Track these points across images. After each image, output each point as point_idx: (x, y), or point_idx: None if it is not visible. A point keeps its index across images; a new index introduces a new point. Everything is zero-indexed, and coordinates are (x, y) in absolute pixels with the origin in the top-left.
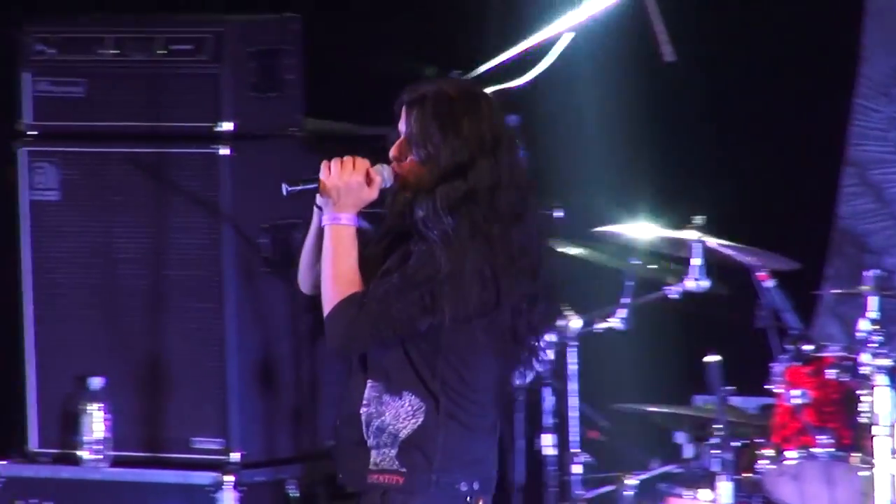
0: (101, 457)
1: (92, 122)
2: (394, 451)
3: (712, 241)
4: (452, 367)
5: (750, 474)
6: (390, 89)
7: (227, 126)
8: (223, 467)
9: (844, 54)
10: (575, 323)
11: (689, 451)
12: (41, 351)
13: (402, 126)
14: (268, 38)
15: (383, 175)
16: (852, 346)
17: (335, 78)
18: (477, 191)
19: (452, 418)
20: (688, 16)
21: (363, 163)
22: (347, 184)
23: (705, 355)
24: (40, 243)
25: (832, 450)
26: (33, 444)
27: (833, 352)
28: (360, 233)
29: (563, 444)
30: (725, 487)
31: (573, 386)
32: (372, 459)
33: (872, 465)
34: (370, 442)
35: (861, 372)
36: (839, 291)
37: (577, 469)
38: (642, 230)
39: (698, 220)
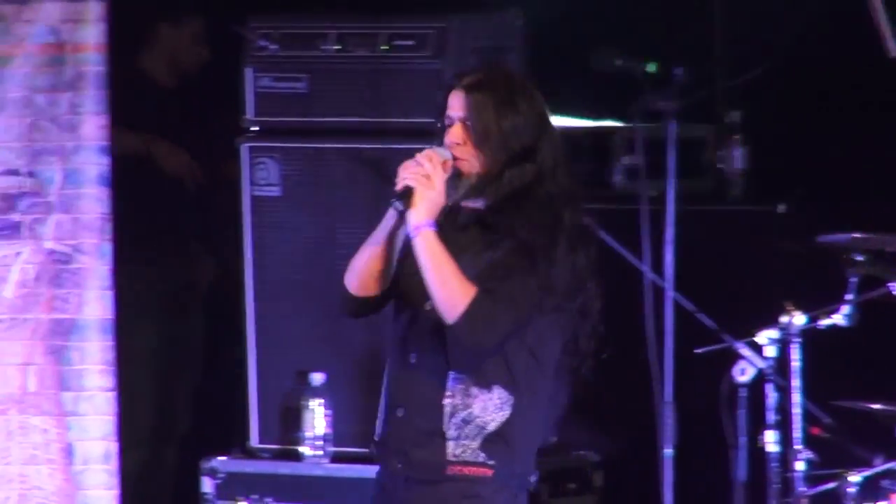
0: (322, 453)
1: (313, 118)
2: (476, 444)
3: None
4: (534, 360)
5: None
6: (611, 85)
7: None
8: None
9: None
10: (798, 319)
11: None
12: (261, 347)
13: (457, 112)
14: (490, 35)
15: (450, 164)
16: None
17: (557, 74)
18: (544, 172)
19: (532, 411)
20: None
21: (438, 158)
22: (439, 191)
23: None
24: (261, 239)
25: None
26: (254, 440)
27: None
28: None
29: (785, 440)
30: None
31: (796, 383)
32: (450, 450)
33: None
34: (450, 433)
35: None
36: None
37: (799, 466)
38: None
39: None
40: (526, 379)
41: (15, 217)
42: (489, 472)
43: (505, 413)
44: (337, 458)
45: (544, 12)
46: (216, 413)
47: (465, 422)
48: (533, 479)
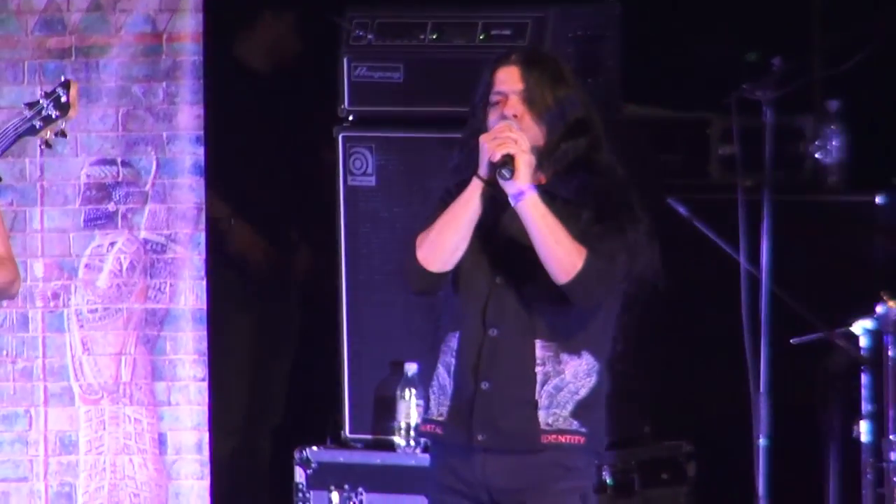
0: (415, 443)
1: (408, 108)
2: (566, 411)
3: None
4: (610, 325)
5: None
6: (709, 74)
7: None
8: None
9: None
10: (893, 309)
11: None
12: (355, 337)
13: (512, 86)
14: (587, 24)
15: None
16: None
17: (654, 63)
18: (597, 143)
19: (607, 377)
20: None
21: (514, 127)
22: (529, 153)
23: None
24: (356, 229)
25: None
26: (347, 430)
27: None
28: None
29: (880, 431)
30: None
31: (891, 373)
32: (542, 419)
33: None
34: (542, 402)
35: None
36: None
37: (894, 456)
38: None
39: None
40: (605, 344)
41: (110, 207)
42: (582, 440)
43: (592, 379)
44: (429, 449)
45: (643, 1)
46: (309, 403)
47: (557, 389)
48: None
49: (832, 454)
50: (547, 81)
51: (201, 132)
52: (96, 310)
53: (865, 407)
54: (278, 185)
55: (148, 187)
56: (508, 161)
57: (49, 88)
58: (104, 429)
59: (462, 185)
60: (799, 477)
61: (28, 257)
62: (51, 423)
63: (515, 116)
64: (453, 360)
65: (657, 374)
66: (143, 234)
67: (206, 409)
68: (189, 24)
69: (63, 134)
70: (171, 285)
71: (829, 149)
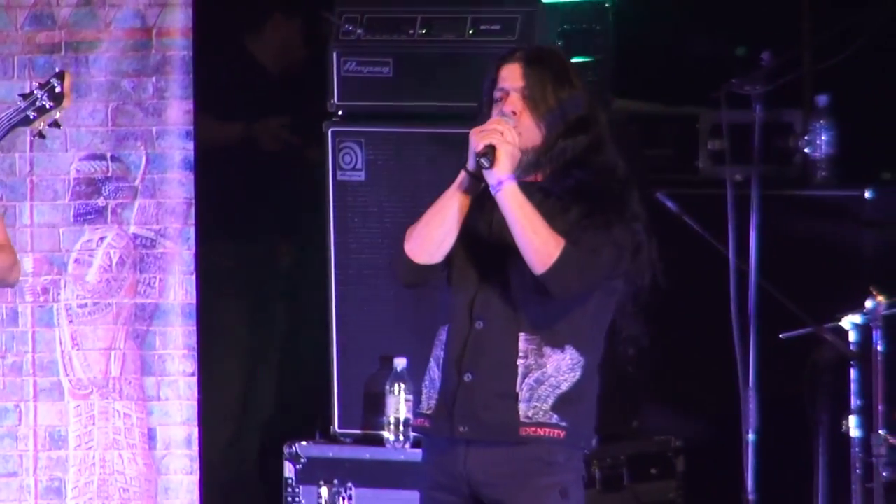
0: (404, 438)
1: (398, 103)
2: (547, 405)
3: None
4: (597, 322)
5: None
6: (698, 69)
7: None
8: None
9: None
10: (882, 304)
11: None
12: (344, 332)
13: (514, 83)
14: (577, 19)
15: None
16: None
17: (644, 58)
18: (599, 142)
19: (596, 373)
20: None
21: (509, 123)
22: (516, 147)
23: None
24: (345, 223)
25: None
26: (336, 425)
27: None
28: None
29: (868, 425)
30: None
31: (879, 367)
32: (522, 412)
33: None
34: (523, 394)
35: None
36: None
37: (882, 451)
38: None
39: None
40: (593, 341)
41: (99, 202)
42: (562, 434)
43: (576, 374)
44: (419, 444)
45: None
46: (298, 398)
47: (539, 382)
48: (594, 442)
49: (821, 449)
50: (549, 80)
51: (191, 127)
52: (86, 305)
53: (854, 402)
54: (267, 180)
55: (137, 182)
56: (489, 151)
57: (42, 80)
58: (94, 424)
59: None
60: (788, 471)
61: (18, 252)
62: (40, 418)
63: (514, 113)
64: (442, 353)
65: (646, 368)
66: (132, 229)
67: (195, 404)
68: (178, 19)
69: (57, 124)
70: (160, 280)
71: (819, 143)
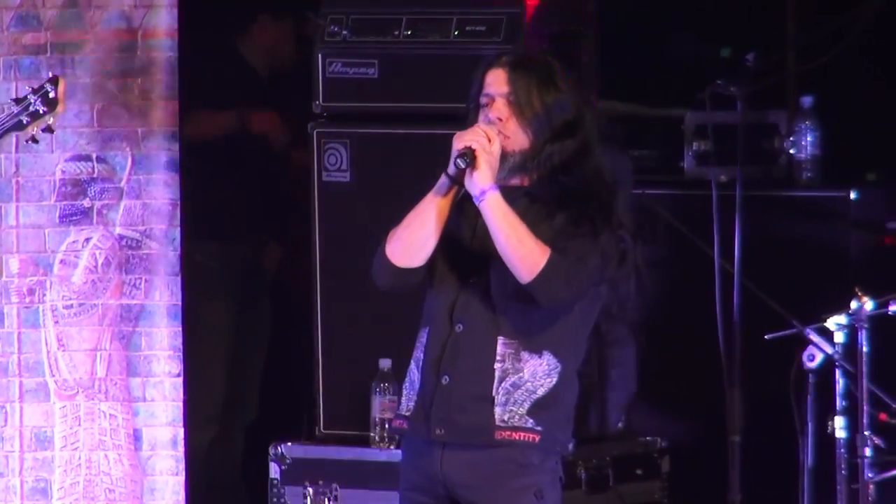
0: (389, 439)
1: (383, 104)
2: (523, 409)
3: None
4: (577, 328)
5: None
6: (683, 70)
7: None
8: None
9: None
10: (868, 305)
11: None
12: (329, 333)
13: (499, 88)
14: (563, 20)
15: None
16: None
17: (629, 59)
18: (586, 147)
19: (574, 379)
20: None
21: (493, 129)
22: (496, 156)
23: None
24: (330, 224)
25: None
26: (322, 426)
27: None
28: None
29: (854, 426)
30: None
31: (865, 369)
32: (497, 416)
33: None
34: (499, 398)
35: None
36: None
37: (867, 452)
38: None
39: None
40: (572, 347)
41: (85, 203)
42: (536, 438)
43: (553, 379)
44: None
45: None
46: (284, 399)
47: (515, 386)
48: (570, 447)
49: (806, 449)
50: (534, 85)
51: (176, 128)
52: (71, 305)
53: (839, 402)
54: (253, 181)
55: (123, 183)
56: (468, 152)
57: (36, 84)
58: (79, 425)
59: None
60: (773, 472)
61: (3, 253)
62: (26, 419)
63: (500, 119)
64: (422, 355)
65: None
66: (118, 230)
67: (181, 404)
68: (164, 21)
69: (50, 130)
70: (146, 281)
71: (803, 144)
